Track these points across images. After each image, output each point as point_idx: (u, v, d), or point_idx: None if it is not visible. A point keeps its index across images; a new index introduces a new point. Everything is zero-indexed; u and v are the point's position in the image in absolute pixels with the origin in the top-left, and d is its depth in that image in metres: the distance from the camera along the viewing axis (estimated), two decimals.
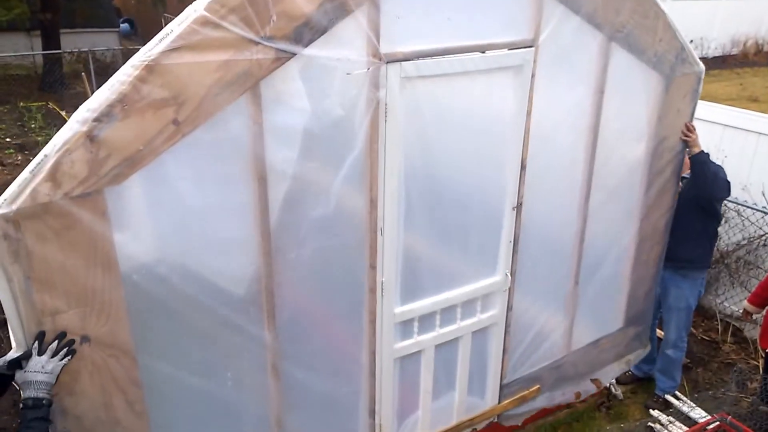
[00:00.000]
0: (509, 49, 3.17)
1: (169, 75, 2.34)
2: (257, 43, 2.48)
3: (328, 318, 3.07)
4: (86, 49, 13.34)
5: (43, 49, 14.98)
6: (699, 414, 4.80)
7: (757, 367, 5.46)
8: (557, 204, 3.70)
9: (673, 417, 4.75)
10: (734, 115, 6.10)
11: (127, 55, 17.31)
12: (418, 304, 3.32)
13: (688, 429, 4.43)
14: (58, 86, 14.71)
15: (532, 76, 3.28)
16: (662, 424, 4.62)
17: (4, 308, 2.29)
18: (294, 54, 2.58)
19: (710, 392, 5.12)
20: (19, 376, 2.30)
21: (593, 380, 4.33)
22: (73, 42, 15.24)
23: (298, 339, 2.98)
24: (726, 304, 6.05)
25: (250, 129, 2.58)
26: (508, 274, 3.58)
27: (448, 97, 3.08)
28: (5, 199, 2.19)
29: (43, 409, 2.26)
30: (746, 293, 5.53)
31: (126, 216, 2.41)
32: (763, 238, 5.74)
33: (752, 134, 5.91)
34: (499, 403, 3.90)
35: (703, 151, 4.12)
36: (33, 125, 11.99)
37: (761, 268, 5.77)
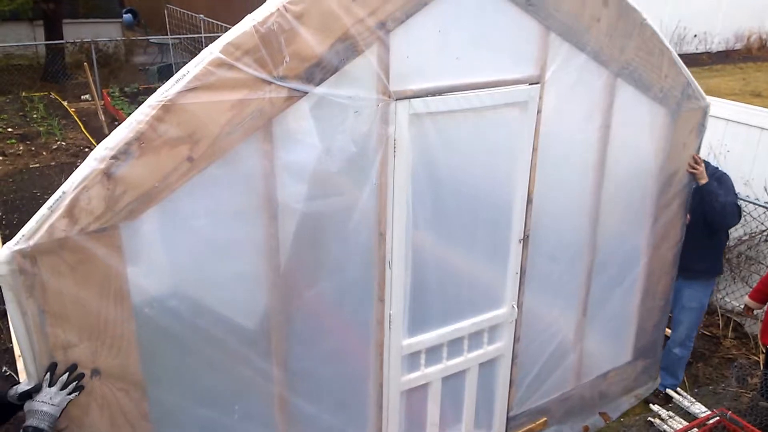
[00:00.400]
0: (516, 86, 3.25)
1: (185, 114, 2.42)
2: (270, 83, 2.57)
3: (335, 351, 3.11)
4: (89, 40, 13.21)
5: (46, 39, 14.94)
6: (699, 409, 4.80)
7: (758, 362, 5.45)
8: (565, 237, 3.75)
9: (673, 412, 4.75)
10: (737, 110, 6.08)
11: (130, 45, 17.33)
12: (425, 337, 3.36)
13: (688, 424, 4.43)
14: (61, 76, 14.67)
15: (539, 111, 3.36)
16: (662, 419, 4.62)
17: (18, 341, 2.36)
18: (306, 93, 2.67)
19: (710, 387, 5.10)
20: (26, 403, 2.36)
21: (601, 413, 4.35)
22: (76, 32, 15.04)
23: (306, 372, 3.02)
24: (727, 299, 6.05)
25: (262, 165, 2.66)
26: (515, 306, 3.62)
27: (455, 132, 3.15)
28: (23, 235, 2.26)
29: None
30: (747, 289, 5.54)
31: (139, 250, 2.48)
32: (765, 233, 5.73)
33: (755, 129, 5.89)
34: None
35: (709, 181, 4.19)
36: (35, 115, 11.96)
37: (762, 264, 5.78)
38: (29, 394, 2.36)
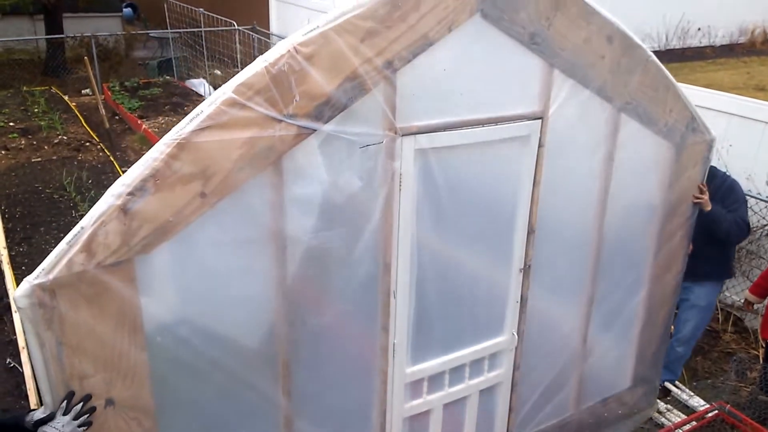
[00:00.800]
0: (518, 122, 3.36)
1: (199, 152, 2.54)
2: (280, 121, 2.68)
3: (340, 377, 3.21)
4: (89, 34, 13.36)
5: (46, 34, 15.08)
6: (698, 402, 4.89)
7: (758, 357, 5.52)
8: (566, 268, 3.85)
9: (671, 405, 4.82)
10: (740, 104, 6.12)
11: (130, 40, 17.43)
12: (427, 364, 3.46)
13: (686, 417, 4.49)
14: (61, 71, 14.84)
15: (541, 145, 3.46)
16: (660, 412, 4.69)
17: (35, 371, 2.46)
18: (314, 130, 2.78)
19: (709, 381, 5.18)
20: (39, 430, 2.46)
21: None
22: (76, 27, 15.17)
23: (311, 398, 3.13)
24: (727, 293, 6.09)
25: (271, 199, 2.77)
26: (515, 334, 3.72)
27: (459, 166, 3.26)
28: (42, 269, 2.37)
29: None
30: (748, 283, 5.58)
31: (152, 282, 2.59)
32: (766, 228, 5.79)
33: (759, 123, 5.92)
34: None
35: (713, 208, 4.29)
36: (36, 110, 12.10)
37: (764, 258, 5.85)
38: (44, 422, 2.47)
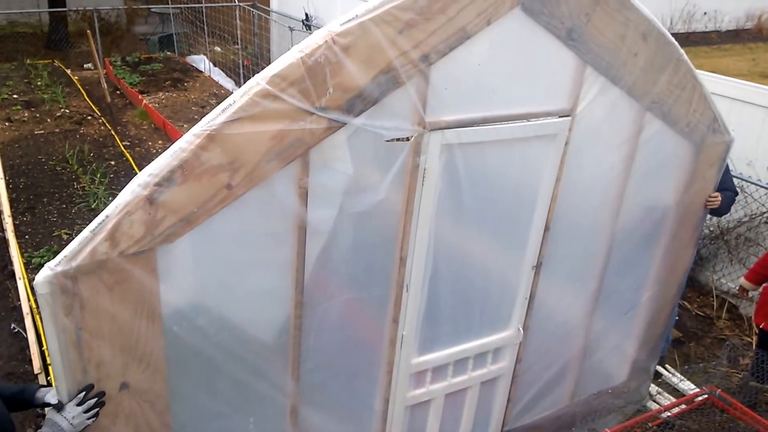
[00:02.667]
0: (546, 119, 3.40)
1: (228, 143, 2.56)
2: (311, 114, 2.70)
3: (348, 366, 3.33)
4: (91, 8, 13.54)
5: (49, 7, 15.30)
6: (688, 386, 5.14)
7: (750, 343, 5.75)
8: (577, 265, 3.96)
9: (662, 388, 5.07)
10: (742, 89, 6.23)
11: (131, 14, 17.60)
12: (433, 356, 3.59)
13: (676, 400, 4.73)
14: (64, 44, 15.11)
15: (566, 143, 3.52)
16: (650, 395, 4.94)
17: (51, 357, 2.53)
18: (345, 123, 2.81)
19: (701, 365, 5.42)
20: (49, 411, 2.56)
21: (590, 429, 4.64)
22: (78, 0, 15.45)
23: (318, 386, 3.25)
24: (723, 280, 6.31)
25: (296, 191, 2.81)
26: (521, 329, 3.85)
27: (483, 162, 3.31)
28: (65, 256, 2.41)
29: None
30: (744, 270, 5.77)
31: (172, 271, 2.64)
32: (766, 215, 5.98)
33: (761, 109, 6.05)
34: None
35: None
36: (39, 83, 12.29)
37: (761, 246, 6.03)
38: (50, 405, 2.55)
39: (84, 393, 2.54)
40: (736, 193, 4.70)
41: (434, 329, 3.51)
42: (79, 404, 2.54)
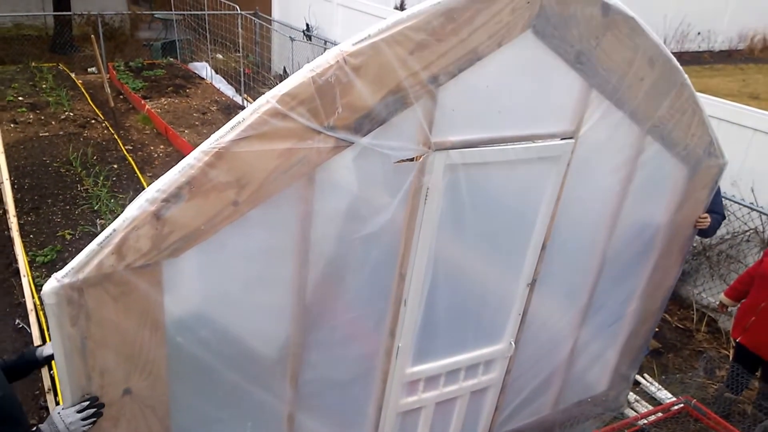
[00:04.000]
0: (550, 140, 3.35)
1: (236, 161, 2.50)
2: (319, 133, 2.64)
3: (344, 378, 3.30)
4: (95, 13, 13.30)
5: (54, 10, 15.11)
6: (665, 395, 5.17)
7: (727, 356, 5.79)
8: (568, 283, 3.93)
9: (640, 397, 5.10)
10: (730, 110, 6.24)
11: (135, 20, 17.48)
12: (427, 366, 3.55)
13: (653, 408, 4.76)
14: (68, 48, 14.93)
15: (567, 165, 3.47)
16: (628, 402, 4.96)
17: (57, 364, 2.49)
18: (352, 143, 2.75)
19: (678, 376, 5.47)
20: (53, 411, 2.54)
21: None
22: (83, 4, 15.18)
23: (315, 395, 3.21)
24: (704, 294, 6.35)
25: (301, 209, 2.75)
26: (513, 343, 3.82)
27: (485, 182, 3.25)
28: (72, 268, 2.36)
29: None
30: (724, 286, 5.84)
31: (177, 284, 2.59)
32: (747, 233, 6.02)
33: (747, 130, 6.08)
34: None
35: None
36: (44, 86, 12.19)
37: (742, 263, 6.07)
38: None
39: (87, 403, 2.51)
40: (724, 217, 4.68)
41: (429, 342, 3.47)
42: (79, 411, 2.51)
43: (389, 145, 2.85)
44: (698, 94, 6.17)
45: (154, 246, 2.46)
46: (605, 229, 3.90)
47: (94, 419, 2.54)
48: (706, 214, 4.36)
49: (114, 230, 2.38)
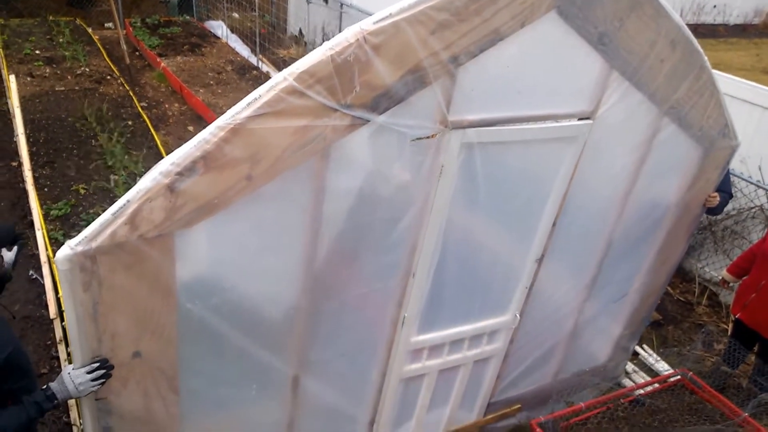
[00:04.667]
0: (567, 120, 3.27)
1: (251, 137, 2.45)
2: (336, 111, 2.58)
3: (350, 345, 3.31)
4: None
5: None
6: (663, 367, 5.22)
7: (726, 330, 5.82)
8: (577, 258, 3.89)
9: (638, 367, 5.17)
10: (742, 87, 6.13)
11: None
12: (432, 335, 3.56)
13: (650, 379, 4.83)
14: (86, 3, 14.67)
15: (584, 145, 3.39)
16: (626, 372, 5.04)
17: (69, 327, 2.51)
18: (368, 121, 2.69)
19: (676, 349, 5.52)
20: (63, 370, 2.57)
21: (567, 402, 4.70)
22: None
23: (320, 360, 3.23)
24: (707, 269, 6.36)
25: (314, 185, 2.71)
26: (518, 315, 3.82)
27: (500, 161, 3.18)
28: (85, 236, 2.34)
29: (46, 405, 2.55)
30: (728, 261, 5.84)
31: (189, 254, 2.58)
32: (753, 210, 6.00)
33: (757, 108, 6.00)
34: (483, 417, 4.26)
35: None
36: (61, 40, 12.01)
37: (746, 239, 6.08)
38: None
39: (97, 364, 2.53)
40: (731, 195, 4.63)
41: (435, 312, 3.47)
42: (89, 372, 2.54)
43: (406, 124, 2.79)
44: (713, 71, 6.06)
45: (167, 217, 2.44)
46: (616, 208, 3.84)
47: (104, 380, 2.57)
48: (716, 193, 4.30)
49: (128, 201, 2.36)
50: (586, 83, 3.24)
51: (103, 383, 2.58)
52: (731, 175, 5.69)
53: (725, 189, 4.57)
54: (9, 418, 2.51)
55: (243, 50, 12.63)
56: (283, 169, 2.59)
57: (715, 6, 16.96)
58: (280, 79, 2.43)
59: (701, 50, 3.52)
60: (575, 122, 3.29)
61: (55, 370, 4.67)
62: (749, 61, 14.37)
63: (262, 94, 2.42)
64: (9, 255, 2.93)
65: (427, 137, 2.88)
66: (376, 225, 2.98)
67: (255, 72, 11.23)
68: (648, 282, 4.44)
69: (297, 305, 2.95)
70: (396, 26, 2.54)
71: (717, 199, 4.27)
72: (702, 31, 15.53)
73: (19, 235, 3.01)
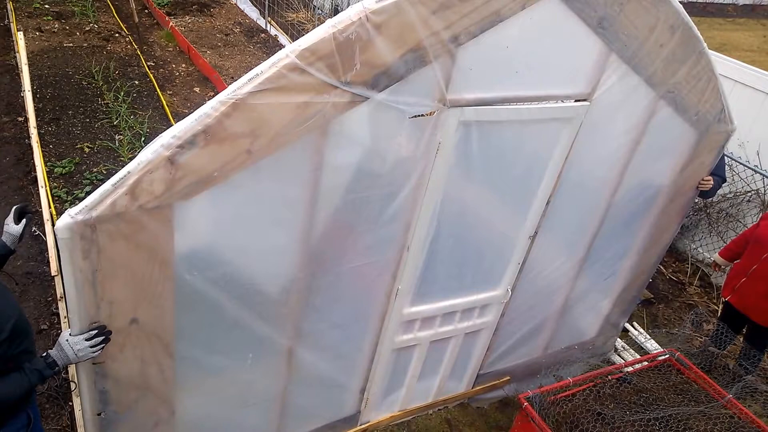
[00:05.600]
0: (564, 102, 3.26)
1: (252, 112, 2.43)
2: (336, 88, 2.57)
3: (344, 317, 3.34)
4: None
5: None
6: (652, 345, 5.26)
7: (716, 311, 5.86)
8: (569, 235, 3.91)
9: (628, 345, 5.25)
10: (745, 72, 6.12)
11: None
12: (424, 308, 3.59)
13: (639, 357, 4.90)
14: None
15: (579, 126, 3.39)
16: (616, 349, 5.12)
17: (67, 295, 2.52)
18: (367, 98, 2.67)
19: (665, 330, 5.52)
20: (61, 336, 2.58)
21: (555, 376, 4.77)
22: None
23: (315, 332, 3.27)
24: (700, 249, 6.39)
25: (313, 160, 2.71)
26: (510, 290, 3.86)
27: (497, 139, 3.18)
28: (86, 206, 2.34)
29: (47, 372, 2.57)
30: (722, 243, 5.88)
31: (187, 225, 2.58)
32: (749, 194, 6.02)
33: (760, 94, 5.99)
34: (472, 388, 4.33)
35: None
36: None
37: (741, 222, 6.10)
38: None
39: (96, 332, 2.56)
40: (724, 180, 4.62)
41: (429, 285, 3.50)
42: (87, 339, 2.57)
43: (405, 101, 2.78)
44: (716, 53, 6.00)
45: (167, 189, 2.44)
46: (610, 188, 3.84)
47: (102, 346, 2.60)
48: (710, 177, 4.29)
49: (128, 172, 2.36)
50: (584, 65, 3.22)
51: (101, 348, 2.60)
52: (729, 159, 5.69)
53: (719, 173, 4.56)
54: (12, 385, 2.53)
55: (252, 12, 12.36)
56: (282, 144, 2.59)
57: None
58: (282, 56, 2.41)
59: (700, 36, 3.50)
60: (572, 104, 3.28)
61: (55, 327, 4.68)
62: (756, 41, 14.14)
63: (263, 70, 2.41)
64: (16, 228, 2.93)
65: (425, 115, 2.87)
66: (373, 200, 2.98)
67: (263, 35, 11.05)
68: (638, 261, 4.47)
69: (293, 277, 2.97)
70: (398, 6, 2.51)
71: (710, 182, 4.27)
72: (711, 9, 15.28)
73: (27, 209, 3.00)
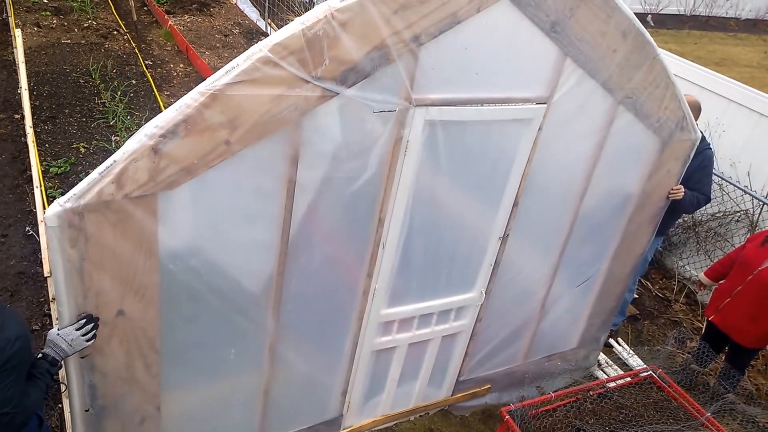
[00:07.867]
0: (524, 104, 3.51)
1: (229, 103, 2.67)
2: (307, 82, 2.81)
3: (323, 312, 3.50)
4: None
5: None
6: (636, 362, 5.33)
7: (701, 329, 5.91)
8: (540, 236, 4.11)
9: (612, 360, 5.30)
10: (741, 92, 6.18)
11: None
12: (401, 309, 3.77)
13: (622, 373, 4.95)
14: None
15: (540, 129, 3.64)
16: (599, 364, 5.18)
17: (55, 283, 2.68)
18: (337, 93, 2.92)
19: (648, 347, 5.54)
20: (50, 333, 2.72)
21: (537, 387, 4.87)
22: None
23: (295, 327, 3.42)
24: (687, 267, 6.45)
25: (288, 151, 2.93)
26: (483, 292, 4.03)
27: (461, 139, 3.42)
28: (74, 194, 2.53)
29: (53, 369, 2.70)
30: (709, 262, 5.95)
31: (171, 215, 2.78)
32: (738, 214, 6.10)
33: (754, 114, 6.02)
34: (452, 395, 4.44)
35: (684, 197, 4.55)
36: None
37: (729, 242, 6.17)
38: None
39: (84, 320, 2.70)
40: (708, 199, 4.79)
41: (404, 285, 3.68)
42: (78, 329, 2.70)
43: (372, 98, 3.02)
44: (712, 72, 6.26)
45: (151, 178, 2.64)
46: (577, 191, 4.07)
47: (95, 334, 2.73)
48: (680, 186, 4.48)
49: (114, 161, 2.56)
50: (541, 69, 3.50)
51: (94, 336, 2.73)
52: (719, 177, 5.85)
53: (703, 191, 4.74)
54: (38, 390, 2.65)
55: (252, 13, 12.33)
56: (259, 136, 2.81)
57: None
58: (256, 50, 2.66)
59: (654, 42, 3.79)
60: (532, 106, 3.54)
61: (47, 327, 4.72)
62: (756, 57, 14.26)
63: (239, 63, 2.66)
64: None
65: (390, 111, 3.11)
66: (345, 193, 3.19)
67: (263, 38, 10.89)
68: (612, 269, 4.65)
69: (272, 269, 3.14)
70: (361, 4, 2.79)
71: (681, 192, 4.47)
72: (713, 23, 15.47)
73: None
